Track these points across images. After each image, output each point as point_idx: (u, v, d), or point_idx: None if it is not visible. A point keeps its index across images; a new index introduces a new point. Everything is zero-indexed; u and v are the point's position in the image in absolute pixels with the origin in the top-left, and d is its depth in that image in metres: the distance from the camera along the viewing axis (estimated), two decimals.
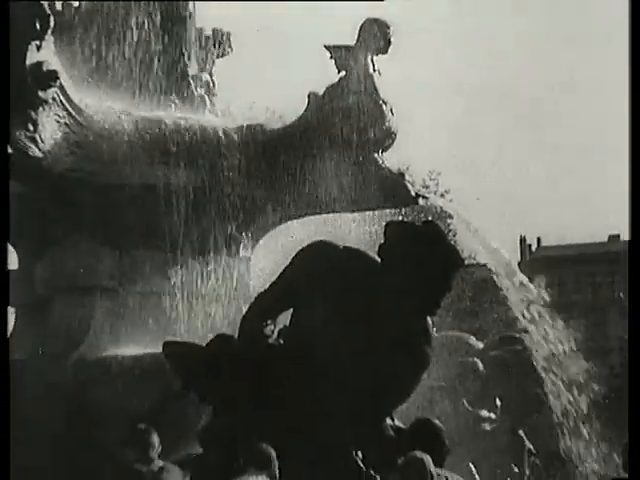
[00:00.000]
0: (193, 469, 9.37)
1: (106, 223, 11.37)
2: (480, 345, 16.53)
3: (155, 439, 9.37)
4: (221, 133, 11.57)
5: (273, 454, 8.43)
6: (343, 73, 11.86)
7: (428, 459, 8.49)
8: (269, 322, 9.70)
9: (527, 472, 15.10)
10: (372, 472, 9.27)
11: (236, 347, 9.56)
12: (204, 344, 9.69)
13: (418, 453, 8.57)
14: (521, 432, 15.25)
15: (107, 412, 10.32)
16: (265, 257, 12.62)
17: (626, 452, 9.65)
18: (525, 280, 12.62)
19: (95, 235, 11.39)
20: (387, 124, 11.85)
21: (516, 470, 14.90)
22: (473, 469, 13.20)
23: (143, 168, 11.23)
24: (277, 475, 8.43)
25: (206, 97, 12.69)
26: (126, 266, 11.49)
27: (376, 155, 11.93)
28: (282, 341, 9.71)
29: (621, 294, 45.97)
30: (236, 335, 9.72)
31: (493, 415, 15.28)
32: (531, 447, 15.33)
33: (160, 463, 9.36)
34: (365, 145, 11.81)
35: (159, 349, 9.92)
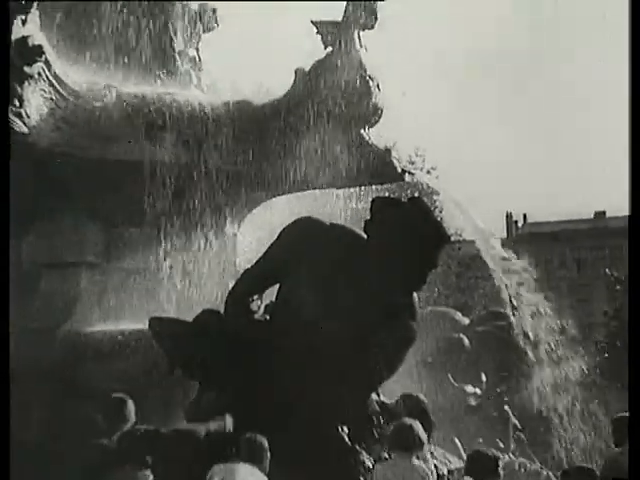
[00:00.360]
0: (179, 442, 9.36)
1: (92, 199, 11.35)
2: (466, 321, 16.56)
3: (129, 409, 9.23)
4: (207, 108, 11.53)
5: (265, 445, 8.39)
6: (330, 49, 11.82)
7: (417, 424, 8.55)
8: (255, 298, 9.73)
9: (512, 447, 15.17)
10: (357, 447, 9.32)
11: (222, 323, 9.57)
12: (190, 320, 9.70)
13: (407, 419, 8.63)
14: (506, 407, 15.31)
15: (93, 386, 10.32)
16: (252, 233, 12.62)
17: (617, 429, 9.66)
18: (510, 256, 12.64)
19: (81, 211, 11.37)
20: (374, 100, 11.82)
21: (501, 445, 14.97)
22: (458, 444, 13.24)
23: (129, 144, 11.19)
24: (267, 467, 8.39)
25: (192, 72, 12.64)
26: (112, 242, 11.49)
27: (363, 131, 11.91)
28: (268, 317, 9.73)
29: (607, 270, 46.10)
30: (222, 311, 9.73)
31: (479, 390, 15.33)
32: (516, 422, 15.40)
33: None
34: (352, 121, 11.78)
35: (145, 325, 9.94)
